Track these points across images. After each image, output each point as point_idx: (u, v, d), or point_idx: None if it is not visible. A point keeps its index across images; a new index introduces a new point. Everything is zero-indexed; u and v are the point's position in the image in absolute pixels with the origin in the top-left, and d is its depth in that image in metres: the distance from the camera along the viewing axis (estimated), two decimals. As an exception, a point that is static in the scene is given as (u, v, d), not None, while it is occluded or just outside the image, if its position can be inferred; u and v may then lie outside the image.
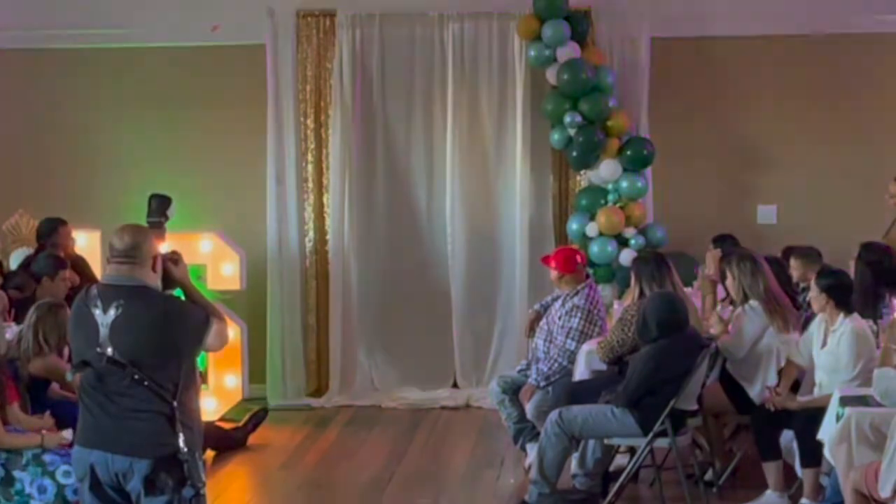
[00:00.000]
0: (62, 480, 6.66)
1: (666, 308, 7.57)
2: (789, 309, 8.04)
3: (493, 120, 11.03)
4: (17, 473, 6.66)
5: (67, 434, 6.73)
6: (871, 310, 7.89)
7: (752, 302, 8.01)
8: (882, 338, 7.37)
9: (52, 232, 9.72)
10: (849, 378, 7.22)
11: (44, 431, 6.89)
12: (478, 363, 11.18)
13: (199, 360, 7.41)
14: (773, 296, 7.98)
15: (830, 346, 7.41)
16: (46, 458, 6.73)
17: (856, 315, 7.43)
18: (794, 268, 8.73)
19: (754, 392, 7.95)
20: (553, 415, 7.73)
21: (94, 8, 11.10)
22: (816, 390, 7.51)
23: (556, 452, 7.69)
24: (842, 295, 7.42)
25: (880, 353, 6.86)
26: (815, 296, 7.50)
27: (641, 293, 8.08)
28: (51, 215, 9.88)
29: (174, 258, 5.35)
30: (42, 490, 6.64)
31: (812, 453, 7.19)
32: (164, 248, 7.36)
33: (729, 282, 8.14)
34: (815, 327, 7.59)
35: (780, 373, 7.87)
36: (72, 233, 9.83)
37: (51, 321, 7.56)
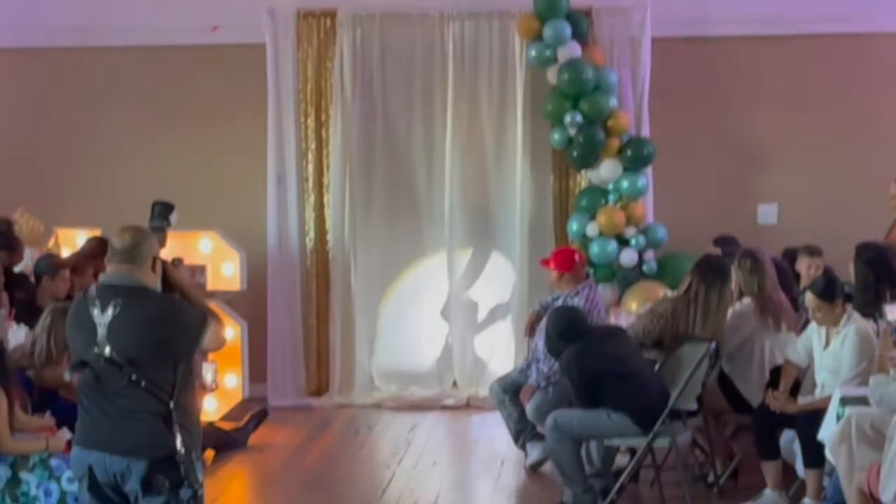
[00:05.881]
0: (66, 487, 6.67)
1: (564, 321, 7.74)
2: (784, 309, 8.02)
3: (493, 120, 11.03)
4: (23, 475, 6.67)
5: (65, 433, 6.74)
6: (873, 309, 7.86)
7: (745, 300, 8.01)
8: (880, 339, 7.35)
9: (98, 254, 9.25)
10: (849, 378, 7.21)
11: (47, 435, 6.89)
12: (478, 363, 11.18)
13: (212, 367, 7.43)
14: (767, 295, 7.96)
15: (834, 347, 7.38)
16: (53, 462, 6.74)
17: (857, 315, 7.42)
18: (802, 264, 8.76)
19: (748, 391, 7.94)
20: (548, 422, 7.70)
21: (94, 7, 11.10)
22: (818, 391, 7.46)
23: (567, 454, 7.65)
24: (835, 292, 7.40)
25: (877, 359, 6.84)
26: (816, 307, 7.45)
27: (689, 287, 8.04)
28: (51, 215, 9.80)
29: (174, 262, 5.37)
30: (48, 493, 6.68)
31: (815, 454, 7.17)
32: (162, 254, 7.35)
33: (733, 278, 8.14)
34: (816, 327, 7.57)
35: (773, 372, 7.86)
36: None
37: (61, 326, 7.54)
